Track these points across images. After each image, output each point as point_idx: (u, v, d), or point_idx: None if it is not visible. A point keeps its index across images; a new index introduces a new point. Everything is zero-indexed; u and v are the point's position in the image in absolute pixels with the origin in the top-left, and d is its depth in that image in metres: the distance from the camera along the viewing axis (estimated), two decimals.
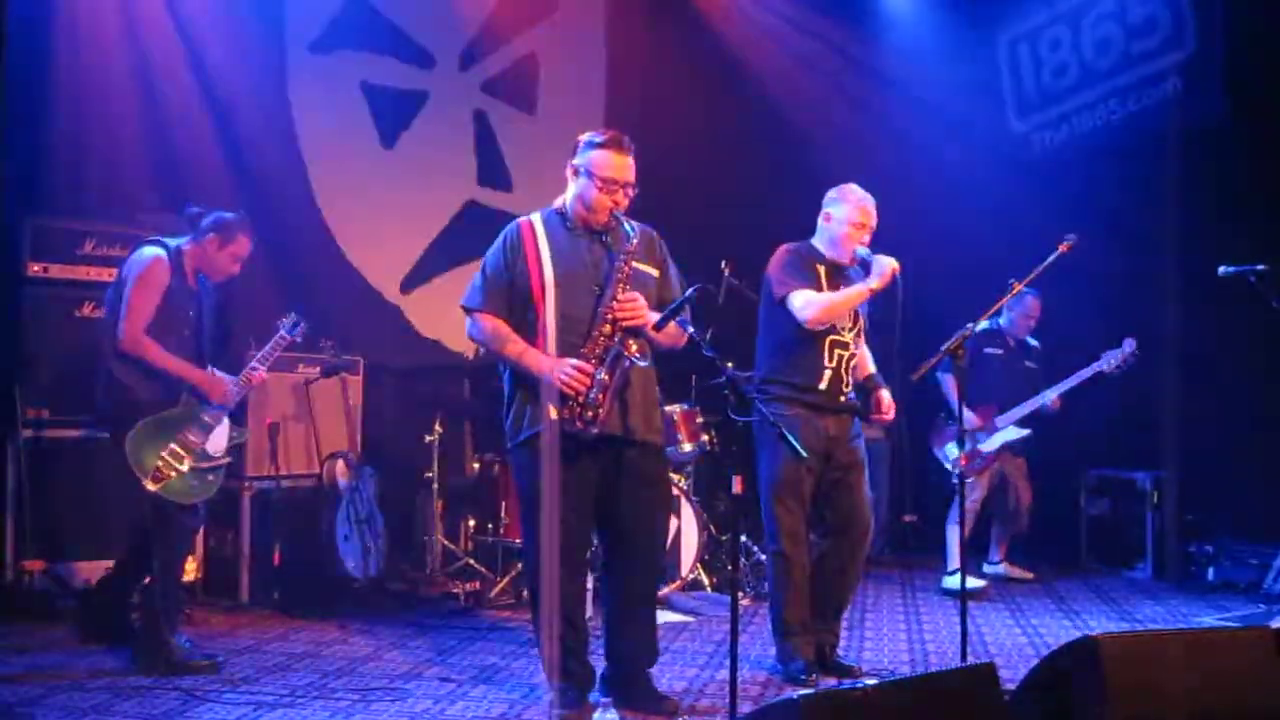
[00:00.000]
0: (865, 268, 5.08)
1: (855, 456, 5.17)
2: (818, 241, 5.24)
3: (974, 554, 7.77)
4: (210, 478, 5.13)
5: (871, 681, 3.10)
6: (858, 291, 5.01)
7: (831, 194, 5.23)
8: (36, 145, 6.49)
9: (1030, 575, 7.79)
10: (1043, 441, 7.62)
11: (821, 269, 5.13)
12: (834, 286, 5.10)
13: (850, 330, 5.15)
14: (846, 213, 5.14)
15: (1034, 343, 7.75)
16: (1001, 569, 7.82)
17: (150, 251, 5.11)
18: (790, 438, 4.10)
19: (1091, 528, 8.33)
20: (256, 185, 7.44)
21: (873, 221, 5.16)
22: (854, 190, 5.19)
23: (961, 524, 6.11)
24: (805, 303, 4.99)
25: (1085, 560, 8.28)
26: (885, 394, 5.26)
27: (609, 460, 4.40)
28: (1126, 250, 7.90)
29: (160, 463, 4.93)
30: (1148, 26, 8.37)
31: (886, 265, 4.95)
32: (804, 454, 4.21)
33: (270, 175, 7.67)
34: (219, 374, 5.20)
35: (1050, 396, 7.32)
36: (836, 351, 5.08)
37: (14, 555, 5.97)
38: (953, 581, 6.94)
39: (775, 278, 5.13)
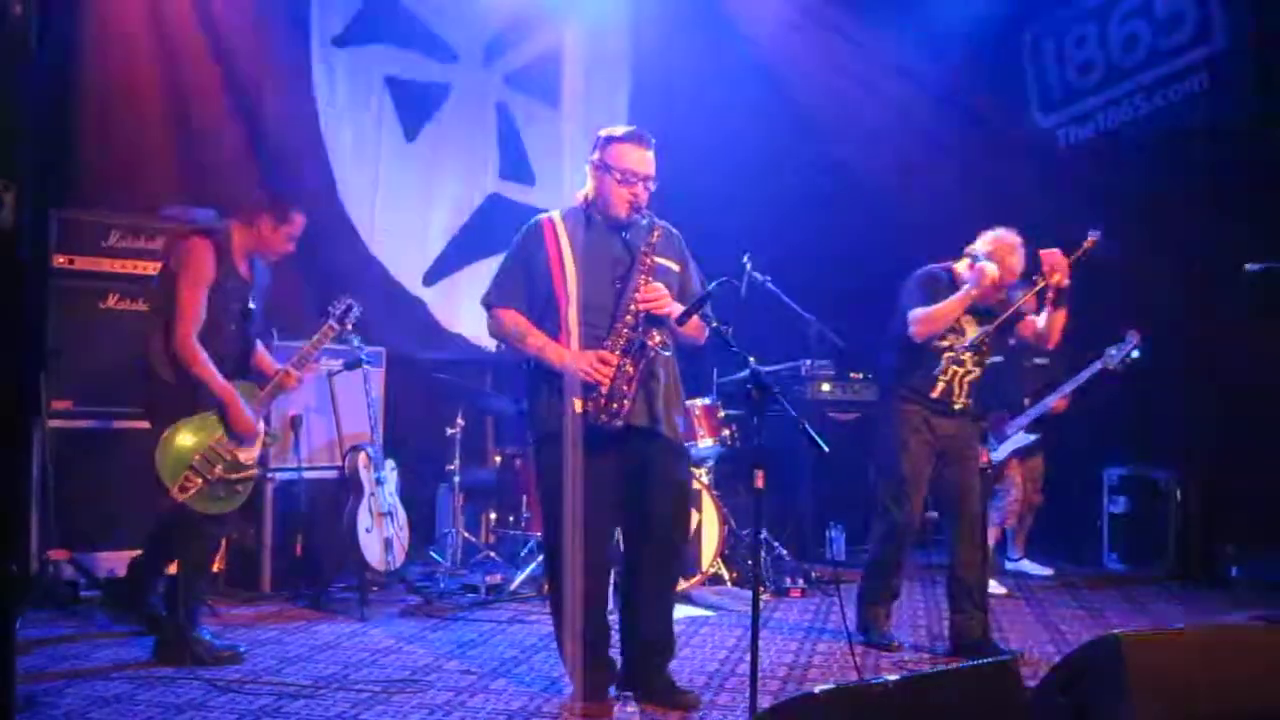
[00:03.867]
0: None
1: (963, 454, 5.57)
2: (958, 268, 5.61)
3: (998, 551, 7.78)
4: (239, 488, 5.06)
5: (893, 677, 3.09)
6: (957, 299, 5.40)
7: (990, 238, 5.55)
8: (62, 138, 6.53)
9: (1049, 572, 7.78)
10: (1064, 440, 7.60)
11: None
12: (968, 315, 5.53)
13: (969, 353, 5.51)
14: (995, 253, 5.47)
15: None
16: (1021, 565, 7.82)
17: (197, 240, 5.01)
18: (811, 432, 4.08)
19: (1113, 526, 8.28)
20: (280, 178, 7.47)
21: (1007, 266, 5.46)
22: (1002, 237, 5.53)
23: (989, 523, 6.15)
24: (913, 319, 5.45)
25: (1107, 559, 8.25)
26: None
27: (633, 452, 4.41)
28: (1151, 247, 7.86)
29: (189, 470, 4.88)
30: (1175, 22, 8.32)
31: (982, 271, 5.35)
32: (825, 448, 4.20)
33: (294, 168, 7.70)
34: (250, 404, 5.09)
35: (1050, 402, 7.27)
36: (952, 368, 5.50)
37: (39, 545, 6.01)
38: None
39: (905, 292, 5.59)
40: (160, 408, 5.01)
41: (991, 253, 5.45)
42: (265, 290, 5.34)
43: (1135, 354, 6.99)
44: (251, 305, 5.21)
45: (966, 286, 5.41)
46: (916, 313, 5.45)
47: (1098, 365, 7.10)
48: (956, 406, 5.56)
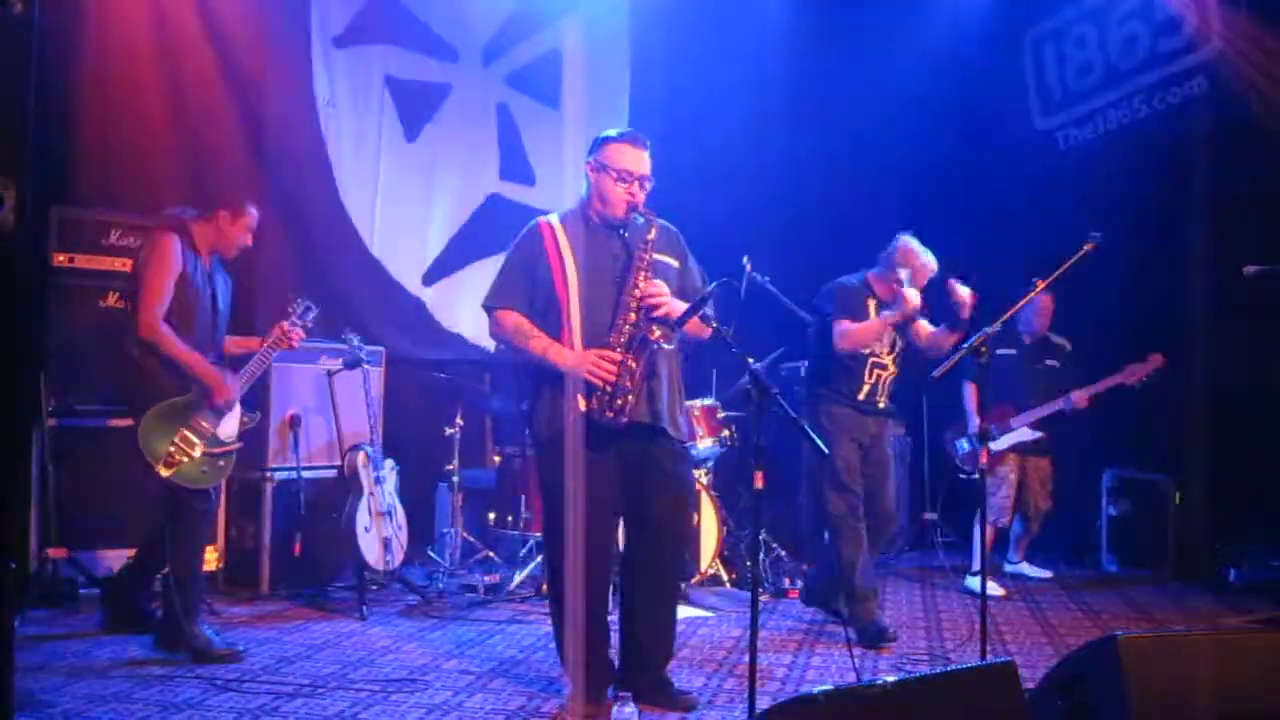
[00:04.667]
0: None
1: (886, 454, 6.05)
2: (874, 277, 6.02)
3: (997, 552, 7.80)
4: (221, 463, 5.18)
5: (891, 679, 3.09)
6: (881, 322, 5.80)
7: (901, 248, 5.91)
8: (62, 137, 6.53)
9: (1048, 574, 7.74)
10: (1064, 442, 7.59)
11: (871, 303, 5.95)
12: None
13: (889, 354, 5.97)
14: (915, 267, 5.85)
15: (1059, 340, 7.67)
16: (1020, 568, 7.79)
17: (161, 232, 5.16)
18: (812, 434, 4.10)
19: (1113, 528, 8.27)
20: (280, 177, 7.47)
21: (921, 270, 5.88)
22: (921, 252, 5.90)
23: (983, 525, 6.13)
24: (839, 334, 5.83)
25: (1105, 561, 8.24)
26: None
27: (635, 450, 4.42)
28: (1152, 249, 7.87)
29: (172, 448, 4.97)
30: (1173, 25, 8.32)
31: (907, 299, 5.68)
32: (826, 450, 4.21)
33: (294, 167, 7.69)
34: (226, 373, 5.23)
35: (1074, 397, 7.26)
36: (876, 371, 5.94)
37: (38, 543, 6.01)
38: (973, 582, 6.94)
39: (828, 302, 5.97)
40: (139, 397, 5.07)
41: (910, 272, 5.81)
42: (227, 293, 5.42)
43: (1155, 377, 7.06)
44: (218, 300, 5.32)
45: (891, 313, 5.76)
46: (844, 329, 5.83)
47: (1115, 380, 7.13)
48: (880, 405, 6.00)
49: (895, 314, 5.73)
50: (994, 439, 7.27)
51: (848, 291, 5.98)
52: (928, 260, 5.89)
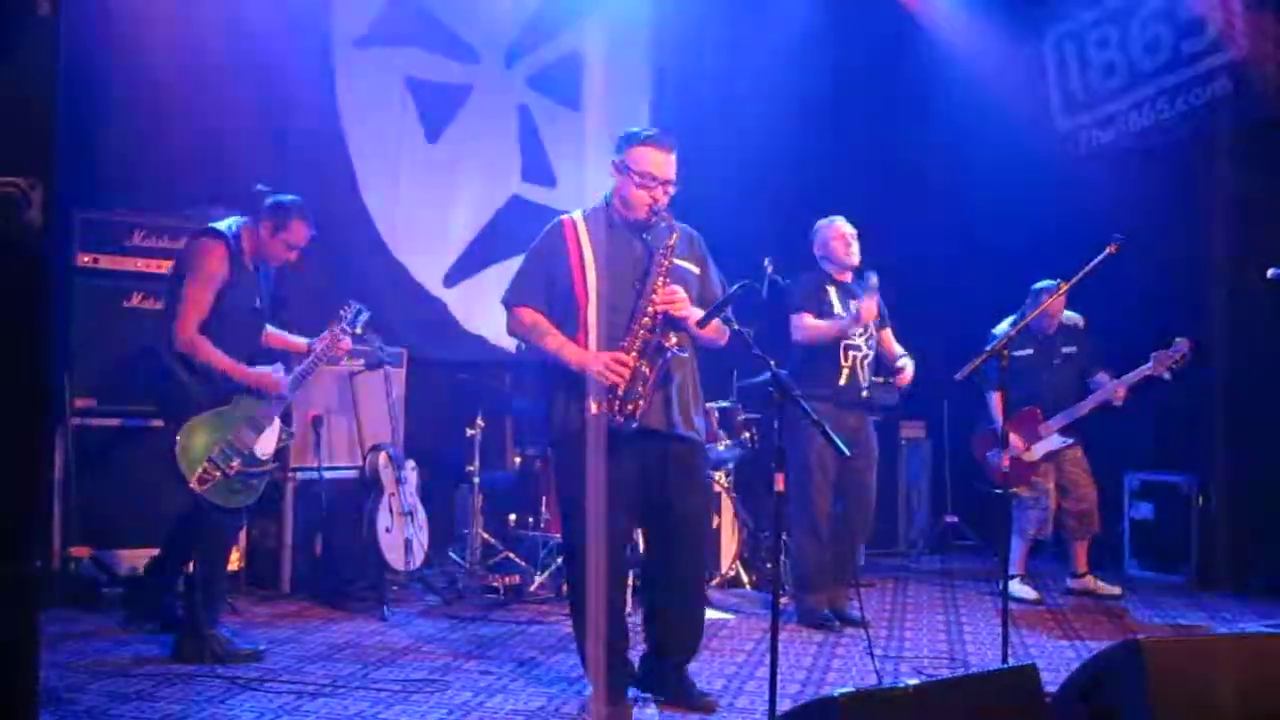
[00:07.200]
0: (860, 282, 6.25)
1: (869, 447, 6.21)
2: (828, 266, 6.32)
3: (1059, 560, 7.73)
4: (255, 482, 5.12)
5: (913, 682, 3.08)
6: (838, 325, 6.04)
7: (818, 228, 6.41)
8: (87, 138, 6.57)
9: (1118, 591, 7.26)
10: (1085, 445, 7.53)
11: (831, 289, 6.22)
12: (844, 300, 6.19)
13: (861, 335, 6.12)
14: (830, 238, 6.31)
15: (1071, 319, 7.45)
16: (1086, 583, 7.31)
17: (208, 240, 5.08)
18: (833, 436, 4.09)
19: (1135, 532, 8.22)
20: (303, 178, 7.45)
21: (851, 231, 6.33)
22: (830, 223, 6.39)
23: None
24: (797, 326, 6.12)
25: (1128, 564, 8.19)
26: (908, 365, 6.21)
27: (652, 455, 4.40)
28: (1175, 252, 7.83)
29: (208, 463, 4.92)
30: (1197, 26, 8.27)
31: (860, 314, 5.99)
32: (846, 451, 4.20)
33: (316, 169, 7.71)
34: (268, 369, 5.22)
35: (1111, 389, 7.01)
36: (850, 353, 6.08)
37: (61, 542, 6.04)
38: (1015, 588, 6.85)
39: (791, 301, 6.23)
40: (175, 404, 5.05)
41: (829, 245, 6.28)
42: (269, 292, 5.39)
43: (1184, 363, 6.84)
44: (261, 303, 5.30)
45: (846, 321, 6.02)
46: (802, 321, 6.11)
47: (1142, 371, 6.95)
48: (863, 395, 6.12)
49: (849, 321, 6.01)
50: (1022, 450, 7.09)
51: (807, 286, 6.24)
52: (844, 229, 6.29)
